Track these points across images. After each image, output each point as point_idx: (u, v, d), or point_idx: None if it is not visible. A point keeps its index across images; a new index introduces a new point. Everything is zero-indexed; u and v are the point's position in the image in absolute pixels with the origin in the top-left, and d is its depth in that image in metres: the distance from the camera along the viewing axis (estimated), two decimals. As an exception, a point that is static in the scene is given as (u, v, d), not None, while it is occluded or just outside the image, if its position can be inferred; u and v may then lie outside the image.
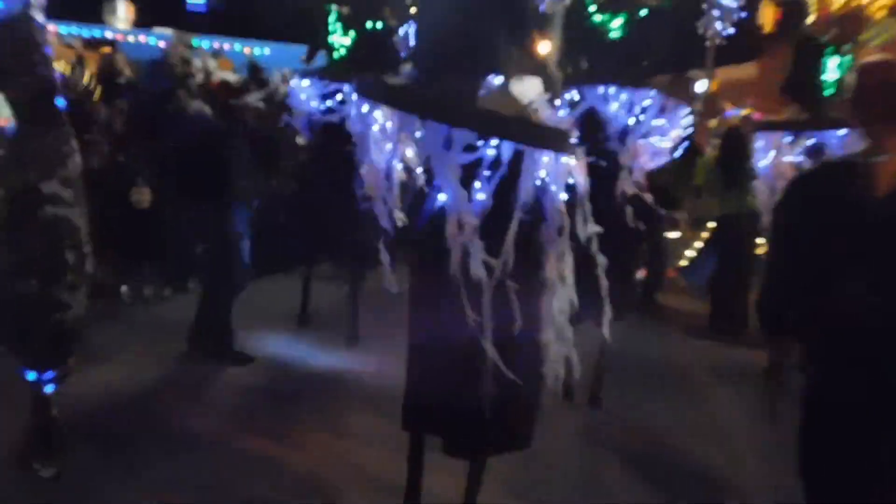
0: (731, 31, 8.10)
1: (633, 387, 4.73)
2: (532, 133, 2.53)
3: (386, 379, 3.93)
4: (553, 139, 2.58)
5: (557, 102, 4.09)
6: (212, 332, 4.62)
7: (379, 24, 5.12)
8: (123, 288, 6.01)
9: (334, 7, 5.08)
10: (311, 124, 5.14)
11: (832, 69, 5.10)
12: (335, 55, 5.12)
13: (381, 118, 2.70)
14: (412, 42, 4.74)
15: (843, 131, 4.52)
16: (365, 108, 2.74)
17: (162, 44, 10.40)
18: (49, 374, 3.05)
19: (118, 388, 4.15)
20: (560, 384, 2.74)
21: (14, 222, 2.88)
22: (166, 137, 5.02)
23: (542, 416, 2.82)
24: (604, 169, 3.74)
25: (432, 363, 2.59)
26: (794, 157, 4.86)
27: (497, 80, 2.72)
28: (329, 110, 4.96)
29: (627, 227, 3.96)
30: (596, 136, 3.98)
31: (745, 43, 8.95)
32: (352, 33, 5.09)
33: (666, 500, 3.51)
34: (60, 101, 2.96)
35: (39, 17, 2.83)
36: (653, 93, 4.10)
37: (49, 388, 3.03)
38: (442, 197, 2.46)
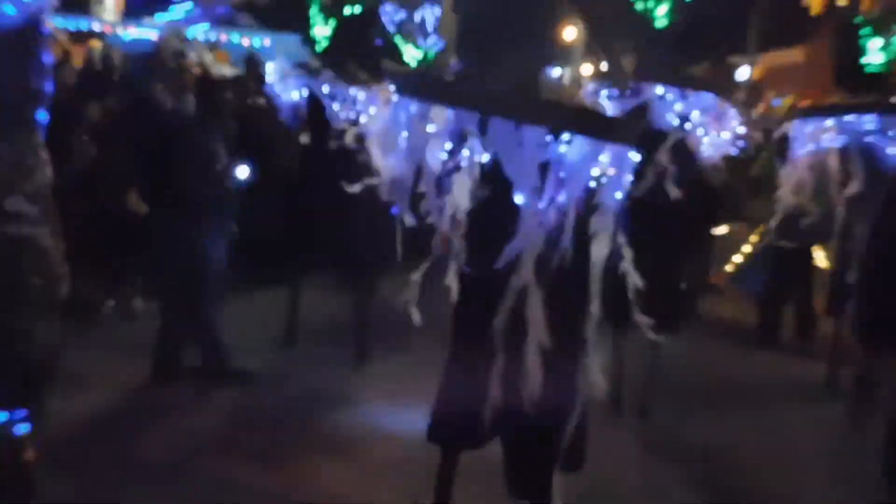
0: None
1: (683, 399, 4.57)
2: (614, 127, 2.46)
3: (392, 402, 3.92)
4: (627, 133, 2.44)
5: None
6: (203, 351, 4.34)
7: (358, 9, 4.94)
8: (110, 302, 5.56)
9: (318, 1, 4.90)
10: (298, 119, 5.00)
11: (873, 50, 4.95)
12: (317, 47, 4.82)
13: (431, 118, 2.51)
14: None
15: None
16: (414, 108, 2.50)
17: (154, 36, 10.04)
18: (20, 413, 2.85)
19: (91, 415, 3.98)
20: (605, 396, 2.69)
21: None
22: (139, 136, 4.82)
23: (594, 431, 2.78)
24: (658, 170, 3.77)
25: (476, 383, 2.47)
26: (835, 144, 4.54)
27: (555, 71, 2.60)
28: (315, 104, 4.73)
29: (681, 230, 4.01)
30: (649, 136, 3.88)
31: (791, 26, 8.39)
32: (332, 22, 4.69)
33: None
34: (42, 114, 2.76)
35: (46, 23, 2.68)
36: (708, 95, 4.06)
37: (21, 429, 2.83)
38: (519, 199, 2.32)
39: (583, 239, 2.38)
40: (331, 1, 5.24)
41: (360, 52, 4.89)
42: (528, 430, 2.49)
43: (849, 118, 4.46)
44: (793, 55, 10.77)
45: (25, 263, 2.75)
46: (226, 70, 7.88)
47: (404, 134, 2.54)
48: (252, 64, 7.86)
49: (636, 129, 2.65)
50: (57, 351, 2.92)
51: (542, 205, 2.32)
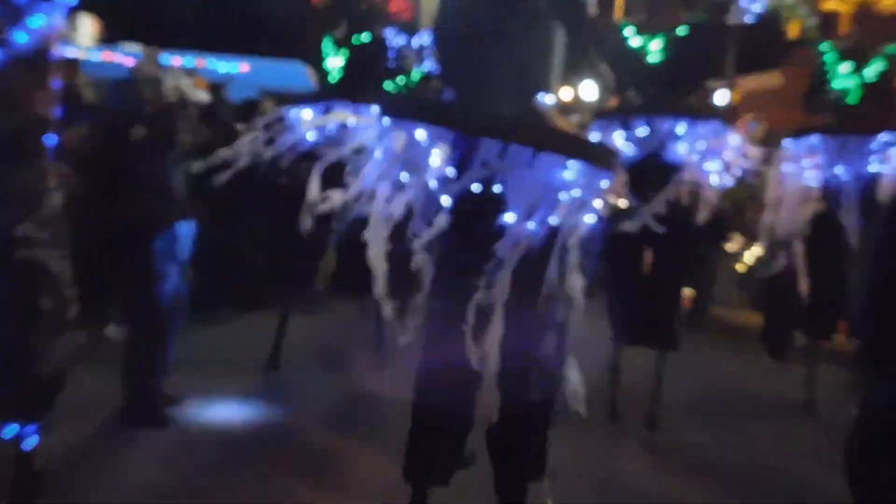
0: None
1: (692, 409, 4.79)
2: (604, 155, 2.61)
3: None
4: (613, 161, 2.65)
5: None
6: (133, 385, 4.21)
7: (367, 37, 5.19)
8: (110, 327, 5.56)
9: (330, 33, 5.19)
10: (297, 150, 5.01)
11: (844, 75, 5.02)
12: (330, 79, 5.16)
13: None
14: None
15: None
16: (420, 134, 2.53)
17: (130, 61, 10.10)
18: (30, 428, 3.00)
19: (72, 452, 3.84)
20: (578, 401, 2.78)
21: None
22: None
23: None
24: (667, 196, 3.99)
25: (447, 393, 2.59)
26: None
27: (547, 98, 2.77)
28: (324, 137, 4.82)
29: (686, 250, 4.30)
30: (655, 163, 4.18)
31: (770, 50, 8.63)
32: (344, 52, 5.14)
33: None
34: (51, 139, 2.90)
35: (57, 49, 2.81)
36: (715, 123, 4.27)
37: (30, 443, 2.96)
38: (510, 217, 2.41)
39: (560, 257, 2.50)
40: (343, 33, 5.30)
41: (372, 81, 5.00)
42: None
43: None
44: (771, 79, 11.05)
45: (36, 287, 2.87)
46: (203, 95, 8.02)
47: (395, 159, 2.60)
48: (217, 91, 7.97)
49: (616, 156, 2.80)
50: (66, 370, 3.06)
51: (531, 225, 2.42)
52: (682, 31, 4.38)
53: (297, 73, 10.27)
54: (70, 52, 11.23)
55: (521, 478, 2.67)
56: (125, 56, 10.74)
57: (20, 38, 2.69)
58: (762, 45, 8.12)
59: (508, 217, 2.43)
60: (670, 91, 4.35)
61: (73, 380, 3.25)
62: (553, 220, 2.43)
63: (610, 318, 4.44)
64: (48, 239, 2.92)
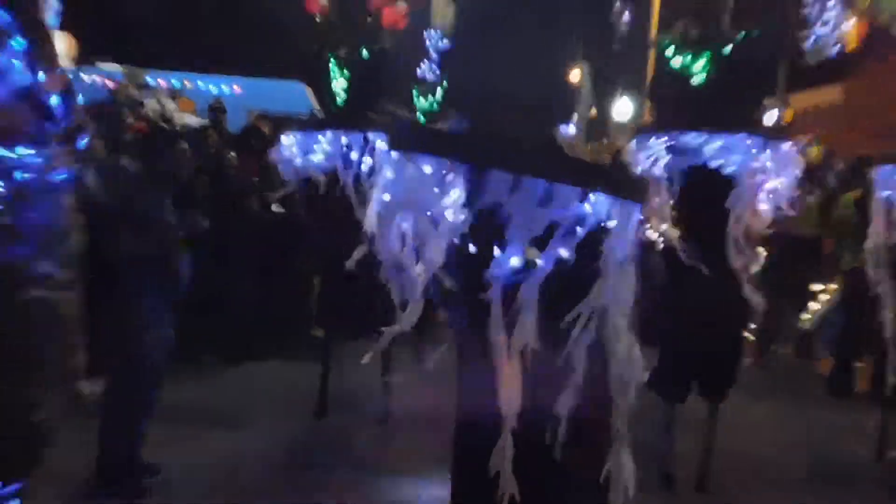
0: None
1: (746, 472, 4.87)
2: (632, 186, 2.63)
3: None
4: (643, 191, 2.73)
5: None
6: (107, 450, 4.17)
7: (365, 54, 5.41)
8: (82, 382, 5.63)
9: (334, 54, 5.39)
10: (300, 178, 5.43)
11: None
12: (337, 101, 5.36)
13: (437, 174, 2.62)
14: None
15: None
16: (427, 168, 2.58)
17: (109, 82, 10.28)
18: (13, 487, 3.06)
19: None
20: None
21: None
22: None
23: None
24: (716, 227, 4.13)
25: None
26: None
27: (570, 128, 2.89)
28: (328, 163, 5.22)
29: (740, 295, 4.24)
30: (703, 191, 4.26)
31: (827, 62, 8.59)
32: (346, 73, 5.34)
33: None
34: (63, 176, 3.06)
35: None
36: (758, 139, 4.33)
37: None
38: (515, 261, 2.43)
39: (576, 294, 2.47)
40: (346, 53, 5.48)
41: (375, 103, 5.17)
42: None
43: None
44: (829, 94, 11.02)
45: (45, 330, 2.97)
46: (191, 119, 8.09)
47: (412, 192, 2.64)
48: (217, 113, 8.04)
49: (644, 186, 2.86)
50: (56, 424, 3.09)
51: (543, 259, 2.42)
52: (727, 49, 4.41)
53: (293, 95, 10.46)
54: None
55: None
56: (104, 77, 10.89)
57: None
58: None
59: (513, 252, 2.46)
60: (717, 115, 4.37)
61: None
62: (565, 255, 2.43)
63: (659, 370, 4.35)
64: (66, 280, 3.03)
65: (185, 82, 11.19)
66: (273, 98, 10.69)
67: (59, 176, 3.11)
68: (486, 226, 2.53)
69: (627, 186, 2.62)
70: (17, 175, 3.02)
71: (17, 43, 2.87)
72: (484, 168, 2.48)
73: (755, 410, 5.80)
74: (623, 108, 14.04)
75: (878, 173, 5.01)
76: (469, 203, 2.56)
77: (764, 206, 4.29)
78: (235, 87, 11.58)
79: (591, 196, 2.43)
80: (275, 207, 6.73)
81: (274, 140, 6.00)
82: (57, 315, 3.04)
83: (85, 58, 11.05)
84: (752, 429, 5.42)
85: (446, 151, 2.56)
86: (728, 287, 4.23)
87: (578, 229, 2.43)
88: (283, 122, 6.57)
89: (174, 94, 10.89)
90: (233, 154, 7.04)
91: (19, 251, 2.94)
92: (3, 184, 3.06)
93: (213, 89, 10.92)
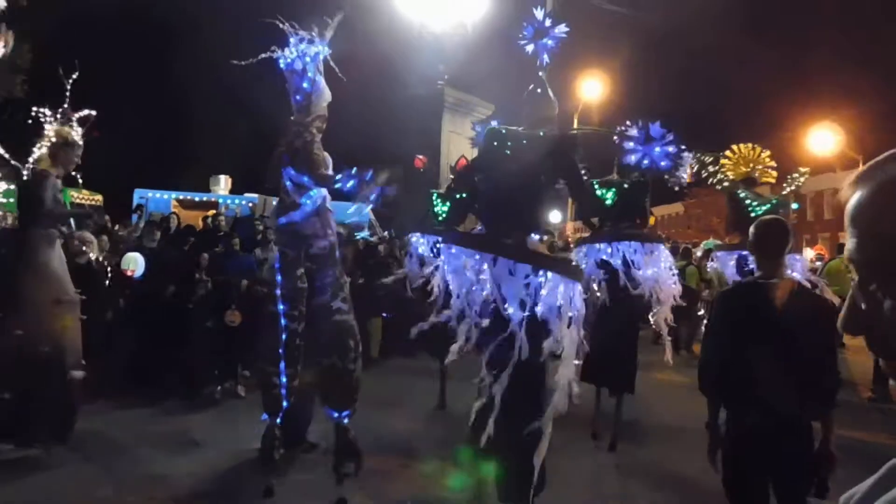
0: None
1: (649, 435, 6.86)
2: (570, 268, 4.17)
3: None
4: (578, 272, 4.20)
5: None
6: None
7: (465, 195, 7.68)
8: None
9: (436, 191, 7.84)
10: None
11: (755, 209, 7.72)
12: (440, 219, 7.45)
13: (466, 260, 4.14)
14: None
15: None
16: (460, 257, 4.13)
17: (251, 205, 15.50)
18: (346, 412, 4.73)
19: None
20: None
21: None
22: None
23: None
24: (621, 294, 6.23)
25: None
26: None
27: (534, 235, 4.46)
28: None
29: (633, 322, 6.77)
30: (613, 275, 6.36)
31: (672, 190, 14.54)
32: (448, 205, 7.37)
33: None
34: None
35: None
36: (661, 246, 6.67)
37: None
38: (510, 309, 3.87)
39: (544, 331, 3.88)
40: (444, 191, 7.50)
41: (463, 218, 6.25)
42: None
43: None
44: (676, 207, 17.27)
45: (344, 336, 4.64)
46: None
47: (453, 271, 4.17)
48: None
49: (579, 269, 4.35)
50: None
51: (524, 313, 3.84)
52: (625, 186, 6.62)
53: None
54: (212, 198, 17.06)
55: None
56: (248, 202, 16.50)
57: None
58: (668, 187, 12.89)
59: (510, 308, 3.81)
60: (618, 221, 6.56)
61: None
62: (538, 309, 3.83)
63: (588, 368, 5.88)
64: (347, 309, 4.74)
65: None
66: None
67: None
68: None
69: (570, 269, 4.11)
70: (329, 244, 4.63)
71: None
72: (494, 254, 3.97)
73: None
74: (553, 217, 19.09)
75: (717, 254, 7.97)
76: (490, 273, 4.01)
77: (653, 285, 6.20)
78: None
79: (547, 273, 3.91)
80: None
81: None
82: (349, 329, 4.66)
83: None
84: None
85: (474, 246, 4.12)
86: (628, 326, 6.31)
87: (542, 291, 3.88)
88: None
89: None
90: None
91: (326, 298, 4.59)
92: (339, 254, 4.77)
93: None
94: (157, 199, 16.02)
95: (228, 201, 16.63)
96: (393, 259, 10.61)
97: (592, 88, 24.89)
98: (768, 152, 8.07)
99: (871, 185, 0.81)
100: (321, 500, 4.58)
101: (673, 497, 5.19)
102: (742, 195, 7.73)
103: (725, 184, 8.27)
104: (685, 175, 7.28)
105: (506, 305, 3.86)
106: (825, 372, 3.06)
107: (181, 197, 16.74)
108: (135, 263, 7.49)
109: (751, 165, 7.97)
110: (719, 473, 3.20)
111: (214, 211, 14.45)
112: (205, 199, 17.08)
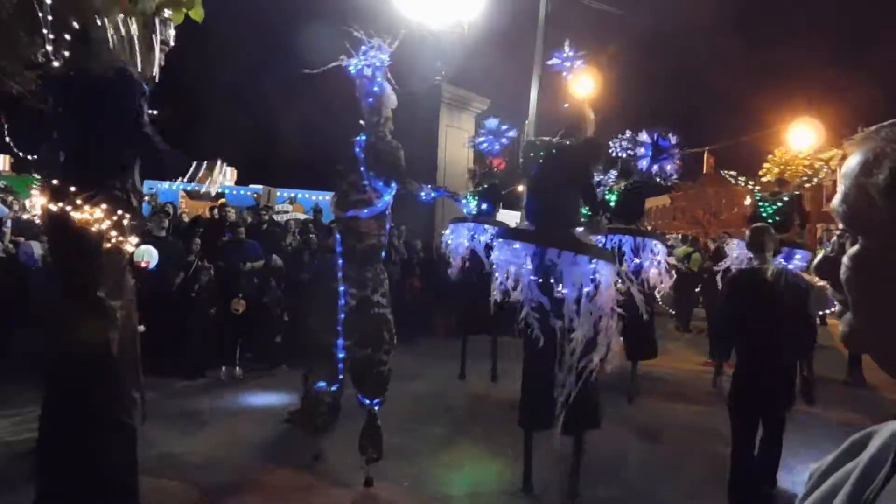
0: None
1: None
2: (611, 255, 5.10)
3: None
4: (612, 257, 5.10)
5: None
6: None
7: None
8: None
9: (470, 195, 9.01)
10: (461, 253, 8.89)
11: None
12: (476, 210, 8.84)
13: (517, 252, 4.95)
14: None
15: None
16: (514, 247, 4.95)
17: (255, 196, 15.68)
18: (377, 401, 5.01)
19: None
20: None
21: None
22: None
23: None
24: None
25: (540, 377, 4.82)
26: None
27: (579, 229, 5.32)
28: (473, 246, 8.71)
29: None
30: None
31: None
32: (477, 200, 8.89)
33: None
34: None
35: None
36: (657, 240, 8.04)
37: None
38: (565, 290, 4.73)
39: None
40: (488, 186, 8.94)
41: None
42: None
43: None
44: (663, 200, 17.80)
45: (380, 327, 4.89)
46: (298, 215, 13.34)
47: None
48: (316, 213, 12.78)
49: (613, 255, 5.29)
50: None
51: (575, 293, 4.70)
52: (625, 189, 8.31)
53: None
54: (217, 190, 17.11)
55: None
56: (253, 192, 16.54)
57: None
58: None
59: (563, 289, 4.65)
60: (620, 220, 7.98)
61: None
62: (587, 289, 4.62)
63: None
64: (386, 304, 5.02)
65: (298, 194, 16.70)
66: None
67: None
68: (546, 275, 4.74)
69: (606, 256, 4.91)
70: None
71: None
72: (543, 246, 4.76)
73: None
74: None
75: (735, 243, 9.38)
76: (535, 263, 4.76)
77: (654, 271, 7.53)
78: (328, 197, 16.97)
79: (594, 259, 4.76)
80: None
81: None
82: (386, 322, 4.96)
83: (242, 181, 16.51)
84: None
85: (526, 239, 4.92)
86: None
87: (591, 276, 4.73)
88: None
89: (291, 200, 16.26)
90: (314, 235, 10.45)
91: (367, 292, 4.86)
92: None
93: (315, 199, 16.28)
94: (166, 191, 16.26)
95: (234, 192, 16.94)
96: (392, 248, 10.60)
97: (583, 85, 24.66)
98: (803, 154, 10.21)
99: (866, 144, 0.85)
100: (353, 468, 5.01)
101: (675, 433, 6.65)
102: (758, 197, 9.50)
103: (763, 180, 10.12)
104: (674, 171, 8.64)
105: (560, 287, 4.63)
106: (801, 327, 4.55)
107: (189, 188, 16.93)
108: (149, 255, 7.58)
109: (782, 167, 9.88)
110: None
111: (223, 200, 14.69)
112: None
